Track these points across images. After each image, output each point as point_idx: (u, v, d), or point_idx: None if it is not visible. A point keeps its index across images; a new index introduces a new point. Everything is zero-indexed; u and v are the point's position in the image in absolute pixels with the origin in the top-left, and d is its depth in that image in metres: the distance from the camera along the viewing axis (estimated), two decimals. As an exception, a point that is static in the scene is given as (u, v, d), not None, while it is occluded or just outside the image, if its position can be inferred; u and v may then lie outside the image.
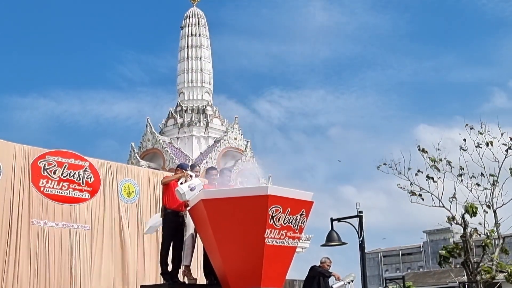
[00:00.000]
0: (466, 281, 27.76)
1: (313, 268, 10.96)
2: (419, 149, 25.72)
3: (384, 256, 74.85)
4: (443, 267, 28.77)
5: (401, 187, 25.59)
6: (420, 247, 71.46)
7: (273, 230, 7.38)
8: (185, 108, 31.19)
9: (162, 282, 9.01)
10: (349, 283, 10.50)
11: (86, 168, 13.32)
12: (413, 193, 25.28)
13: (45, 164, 12.73)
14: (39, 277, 12.08)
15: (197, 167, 9.34)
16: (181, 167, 9.16)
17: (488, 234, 25.06)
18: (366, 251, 11.83)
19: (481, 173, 25.12)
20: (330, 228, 11.50)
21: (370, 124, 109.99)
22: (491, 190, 25.15)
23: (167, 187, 8.95)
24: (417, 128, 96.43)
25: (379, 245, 74.75)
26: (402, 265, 72.59)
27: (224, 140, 29.66)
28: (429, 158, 25.44)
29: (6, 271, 11.75)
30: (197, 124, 30.35)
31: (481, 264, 24.80)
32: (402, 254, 73.95)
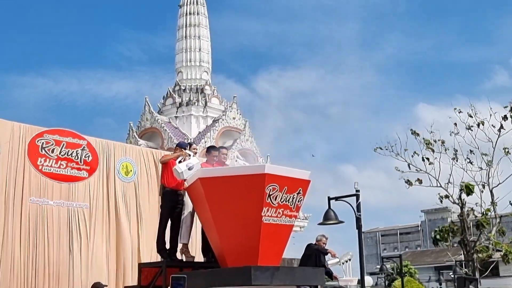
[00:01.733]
0: (463, 259, 28.04)
1: (309, 246, 11.03)
2: (412, 133, 25.81)
3: (382, 235, 75.30)
4: (438, 246, 29.05)
5: (398, 170, 25.75)
6: (418, 226, 71.87)
7: (270, 209, 7.41)
8: (183, 88, 31.11)
9: (160, 260, 9.06)
10: (346, 261, 10.62)
11: (84, 146, 13.32)
12: (409, 182, 25.40)
13: (43, 143, 12.72)
14: (37, 256, 12.13)
15: (194, 145, 9.39)
16: (180, 146, 9.19)
17: (485, 212, 25.26)
18: (364, 230, 11.88)
19: (470, 150, 25.25)
20: (327, 206, 11.54)
21: (369, 104, 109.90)
22: (486, 170, 25.35)
23: (166, 166, 8.99)
24: (417, 107, 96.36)
25: (377, 224, 75.17)
26: (400, 244, 73.05)
27: (223, 120, 29.63)
28: (423, 139, 25.54)
29: (4, 249, 11.80)
30: (196, 104, 30.29)
31: (477, 243, 25.03)
32: (400, 233, 74.41)
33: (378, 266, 40.46)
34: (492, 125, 25.23)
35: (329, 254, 10.75)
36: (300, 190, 7.75)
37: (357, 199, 10.47)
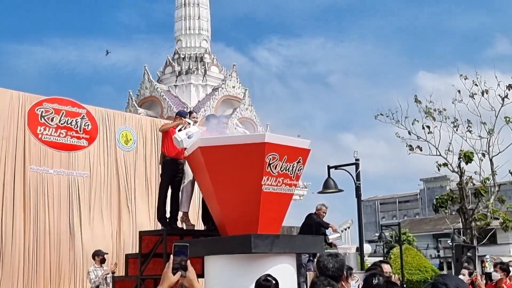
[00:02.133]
0: (461, 227, 28.23)
1: (310, 217, 11.01)
2: (415, 100, 25.78)
3: (381, 204, 75.73)
4: (439, 214, 29.24)
5: (399, 137, 25.80)
6: (416, 194, 72.21)
7: (270, 178, 7.41)
8: (182, 56, 30.91)
9: (160, 228, 9.11)
10: (346, 229, 10.68)
11: (84, 115, 13.30)
12: (411, 147, 25.46)
13: (42, 111, 12.69)
14: (38, 223, 12.21)
15: (195, 114, 9.37)
16: (180, 114, 9.17)
17: (483, 181, 25.35)
18: (363, 198, 11.94)
19: (468, 120, 25.24)
20: (327, 175, 11.56)
21: (369, 72, 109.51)
22: (487, 138, 25.36)
23: (166, 134, 8.97)
24: (417, 75, 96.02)
25: (377, 192, 75.54)
26: (399, 212, 73.50)
27: (222, 89, 29.51)
28: (426, 106, 25.52)
29: (4, 218, 11.85)
30: (195, 72, 30.13)
31: (476, 211, 25.17)
32: (399, 202, 74.83)
33: (377, 234, 40.78)
34: (499, 95, 25.15)
35: (330, 228, 10.74)
36: (300, 159, 7.74)
37: (357, 168, 10.50)
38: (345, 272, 4.41)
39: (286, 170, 7.59)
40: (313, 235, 10.00)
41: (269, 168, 7.37)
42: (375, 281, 4.53)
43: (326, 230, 10.90)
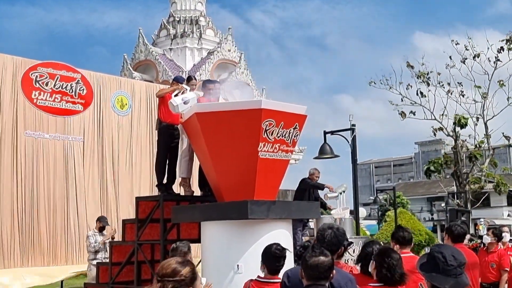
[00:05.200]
0: (455, 191, 28.45)
1: (304, 181, 11.07)
2: (407, 65, 25.68)
3: (375, 167, 76.16)
4: (431, 178, 29.43)
5: (392, 104, 25.77)
6: (411, 158, 72.58)
7: (266, 144, 7.39)
8: (177, 19, 30.60)
9: (157, 194, 9.14)
10: (341, 193, 10.69)
11: (79, 80, 13.23)
12: (403, 113, 25.45)
13: (36, 76, 12.61)
14: (34, 189, 12.23)
15: (194, 80, 9.28)
16: (177, 80, 9.10)
17: (478, 144, 25.46)
18: (358, 162, 11.98)
19: (459, 82, 25.20)
20: (323, 140, 11.58)
21: (366, 34, 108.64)
22: (481, 102, 25.37)
23: (162, 100, 8.90)
24: (413, 36, 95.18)
25: (372, 155, 75.87)
26: (393, 176, 74.00)
27: (218, 52, 29.31)
28: (419, 71, 25.44)
29: (0, 184, 11.87)
30: (190, 35, 29.89)
31: (470, 175, 25.35)
32: (394, 165, 75.24)
33: (372, 198, 41.05)
34: (488, 59, 25.09)
35: (326, 188, 10.79)
36: (296, 125, 7.72)
37: (352, 133, 10.49)
38: (342, 248, 4.37)
39: (282, 136, 7.57)
40: (308, 201, 10.08)
41: (265, 134, 7.35)
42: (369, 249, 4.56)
43: (324, 190, 10.94)
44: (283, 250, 4.91)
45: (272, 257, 4.89)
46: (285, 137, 7.61)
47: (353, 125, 10.62)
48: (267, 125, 7.32)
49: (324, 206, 11.02)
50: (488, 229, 9.50)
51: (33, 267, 11.81)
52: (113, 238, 10.61)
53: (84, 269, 11.50)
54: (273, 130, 7.42)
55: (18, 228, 11.86)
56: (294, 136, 7.76)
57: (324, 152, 10.64)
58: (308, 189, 10.95)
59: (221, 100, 8.68)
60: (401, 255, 4.26)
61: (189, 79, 9.28)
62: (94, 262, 10.49)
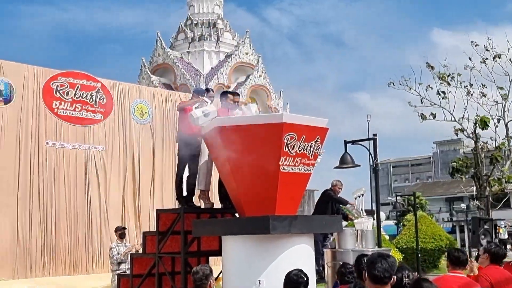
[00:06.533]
0: (474, 192, 28.18)
1: (327, 193, 10.91)
2: (427, 66, 25.40)
3: (393, 167, 75.57)
4: (455, 177, 29.16)
5: (411, 105, 25.51)
6: (429, 157, 71.96)
7: (287, 158, 7.36)
8: (195, 22, 30.64)
9: (177, 207, 9.14)
10: (359, 196, 10.58)
11: (99, 89, 13.30)
12: (423, 116, 25.18)
13: (57, 86, 12.71)
14: (55, 199, 12.31)
15: (211, 92, 9.30)
16: (197, 92, 9.12)
17: (499, 146, 25.17)
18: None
19: (482, 84, 24.91)
20: (343, 140, 11.38)
21: (383, 31, 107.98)
22: (502, 104, 25.08)
23: (183, 112, 8.89)
24: (431, 32, 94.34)
25: (389, 154, 75.39)
26: (411, 176, 73.40)
27: (235, 55, 29.28)
28: (439, 72, 25.18)
29: (22, 193, 11.95)
30: (208, 39, 29.90)
31: (490, 177, 25.07)
32: (412, 165, 74.61)
33: (389, 198, 40.79)
34: (510, 60, 24.80)
35: (349, 205, 10.65)
36: (318, 138, 7.67)
37: (374, 143, 10.40)
38: (394, 277, 3.88)
39: (304, 150, 7.53)
40: (330, 215, 10.00)
41: (286, 148, 7.32)
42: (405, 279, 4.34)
43: (346, 206, 10.81)
44: (302, 277, 4.83)
45: (289, 282, 4.84)
46: (306, 151, 7.57)
47: (375, 134, 10.53)
48: (288, 139, 7.29)
49: (346, 217, 10.92)
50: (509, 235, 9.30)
51: (53, 277, 11.87)
52: (137, 251, 10.57)
53: (106, 281, 11.49)
54: (295, 144, 7.38)
55: (39, 237, 11.95)
56: (316, 150, 7.72)
57: (345, 162, 10.57)
58: (331, 203, 10.81)
59: (237, 111, 8.67)
60: (450, 273, 4.73)
61: (208, 90, 9.30)
62: (118, 272, 10.49)
